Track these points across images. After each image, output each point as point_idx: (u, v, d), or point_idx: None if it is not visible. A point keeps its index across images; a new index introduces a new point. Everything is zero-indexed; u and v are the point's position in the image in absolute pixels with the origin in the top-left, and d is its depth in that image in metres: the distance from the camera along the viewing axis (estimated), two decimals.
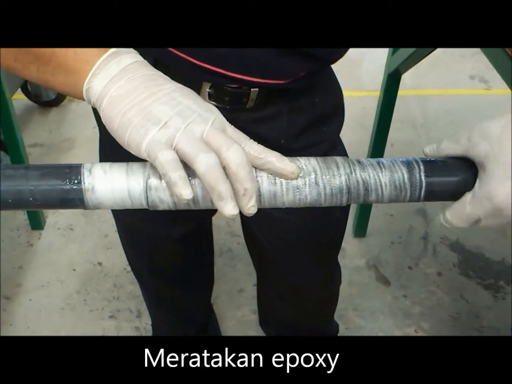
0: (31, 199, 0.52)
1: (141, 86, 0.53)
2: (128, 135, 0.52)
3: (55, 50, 0.54)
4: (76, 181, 0.53)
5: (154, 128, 0.51)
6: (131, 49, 0.57)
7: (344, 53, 0.77)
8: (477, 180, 0.55)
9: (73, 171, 0.53)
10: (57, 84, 0.57)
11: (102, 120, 0.55)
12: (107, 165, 0.54)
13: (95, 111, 0.88)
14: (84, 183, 0.53)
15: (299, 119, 0.83)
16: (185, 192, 0.49)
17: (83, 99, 0.57)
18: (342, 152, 0.95)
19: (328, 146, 0.90)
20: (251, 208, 0.52)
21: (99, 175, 0.53)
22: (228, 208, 0.51)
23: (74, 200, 0.53)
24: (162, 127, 0.51)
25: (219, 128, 0.53)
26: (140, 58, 0.57)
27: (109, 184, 0.53)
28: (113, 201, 0.54)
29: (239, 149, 0.51)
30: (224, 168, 0.51)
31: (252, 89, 0.75)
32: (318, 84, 0.84)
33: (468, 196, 0.55)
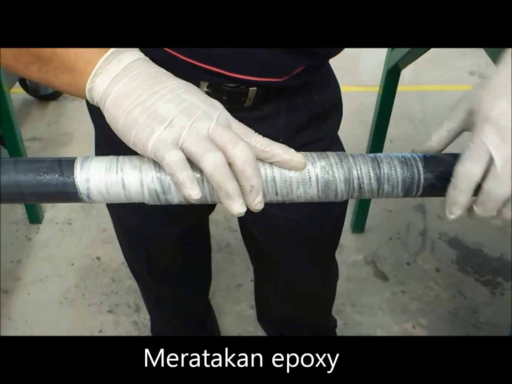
0: (26, 192, 0.52)
1: (145, 84, 0.53)
2: (133, 135, 0.52)
3: (56, 50, 0.54)
4: (70, 175, 0.53)
5: (160, 127, 0.51)
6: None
7: (341, 49, 0.77)
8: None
9: (68, 164, 0.53)
10: (59, 84, 0.57)
11: (107, 119, 0.54)
12: (102, 158, 0.54)
13: (91, 109, 0.88)
14: (78, 176, 0.52)
15: (297, 117, 0.83)
16: (193, 192, 0.49)
17: (86, 99, 0.56)
18: (340, 149, 0.95)
19: (327, 143, 0.90)
20: (258, 204, 0.52)
21: (94, 168, 0.53)
22: (236, 206, 0.51)
23: (69, 193, 0.53)
24: (168, 126, 0.51)
25: (224, 124, 0.53)
26: (142, 55, 0.56)
27: (104, 177, 0.53)
28: (108, 194, 0.53)
29: (245, 145, 0.51)
30: (229, 164, 0.51)
31: (250, 88, 0.74)
32: (316, 81, 0.84)
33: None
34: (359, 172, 0.56)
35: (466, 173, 0.53)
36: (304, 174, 0.55)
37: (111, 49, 0.54)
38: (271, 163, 0.55)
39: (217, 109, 0.54)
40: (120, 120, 0.52)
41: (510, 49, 0.56)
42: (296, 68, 0.74)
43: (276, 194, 0.55)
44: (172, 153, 0.49)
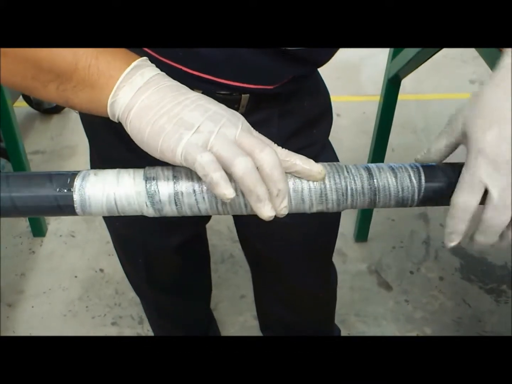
0: (24, 207, 0.53)
1: (168, 96, 0.54)
2: (161, 143, 0.52)
3: (77, 67, 0.54)
4: (68, 189, 0.53)
5: (188, 133, 0.51)
6: (150, 63, 0.58)
7: (331, 56, 0.77)
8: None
9: (65, 178, 0.54)
10: (78, 102, 0.57)
11: (129, 132, 0.55)
12: (99, 172, 0.55)
13: (86, 126, 0.89)
14: (75, 190, 0.53)
15: (289, 123, 0.84)
16: (227, 191, 0.50)
17: (106, 115, 0.57)
18: (332, 154, 0.97)
19: (319, 148, 0.91)
20: (283, 209, 0.53)
21: (91, 182, 0.54)
22: (266, 210, 0.51)
23: (66, 207, 0.54)
24: (196, 132, 0.51)
25: (247, 132, 0.54)
26: (159, 70, 0.57)
27: (100, 191, 0.54)
28: (105, 208, 0.54)
29: (272, 151, 0.52)
30: (257, 169, 0.51)
31: (243, 95, 0.76)
32: (307, 88, 0.85)
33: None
34: (362, 181, 0.56)
35: (462, 205, 0.54)
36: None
37: (132, 64, 0.55)
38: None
39: (239, 118, 0.55)
40: (145, 130, 0.53)
41: (499, 69, 0.55)
42: (286, 76, 0.75)
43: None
44: (204, 155, 0.50)
